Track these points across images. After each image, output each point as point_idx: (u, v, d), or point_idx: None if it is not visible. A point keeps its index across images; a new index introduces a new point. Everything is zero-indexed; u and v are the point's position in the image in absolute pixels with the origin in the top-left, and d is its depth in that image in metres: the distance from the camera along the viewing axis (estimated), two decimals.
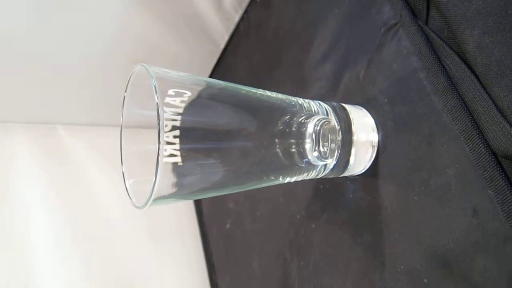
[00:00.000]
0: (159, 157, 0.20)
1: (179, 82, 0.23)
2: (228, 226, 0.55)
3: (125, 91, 0.24)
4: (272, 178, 0.27)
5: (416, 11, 0.30)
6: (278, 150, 0.25)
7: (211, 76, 0.67)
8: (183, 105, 0.22)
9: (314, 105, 0.29)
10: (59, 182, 0.54)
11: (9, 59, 0.48)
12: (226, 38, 0.61)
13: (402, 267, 0.28)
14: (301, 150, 0.26)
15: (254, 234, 0.49)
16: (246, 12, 0.57)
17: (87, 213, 0.55)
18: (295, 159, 0.26)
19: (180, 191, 0.22)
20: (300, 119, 0.27)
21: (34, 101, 0.54)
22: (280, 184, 0.28)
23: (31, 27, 0.47)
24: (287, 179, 0.28)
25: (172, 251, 0.61)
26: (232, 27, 0.60)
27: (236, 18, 0.59)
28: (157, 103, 0.20)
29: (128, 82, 0.24)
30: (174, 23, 0.56)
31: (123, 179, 0.24)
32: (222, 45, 0.62)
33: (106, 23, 0.51)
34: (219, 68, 0.65)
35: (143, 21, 0.53)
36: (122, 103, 0.25)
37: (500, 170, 0.23)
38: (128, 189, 0.23)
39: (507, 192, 0.22)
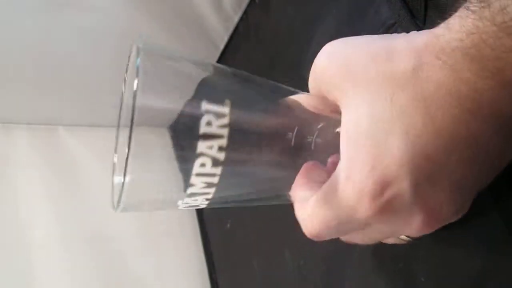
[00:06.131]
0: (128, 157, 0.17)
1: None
2: (228, 225, 0.55)
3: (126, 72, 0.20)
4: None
5: (414, 11, 0.31)
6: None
7: None
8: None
9: None
10: (60, 183, 0.54)
11: (10, 60, 0.48)
12: (225, 39, 0.62)
13: (400, 265, 0.28)
14: None
15: (254, 233, 0.50)
16: (245, 12, 0.58)
17: (88, 214, 0.55)
18: None
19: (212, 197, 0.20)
20: None
21: (35, 102, 0.54)
22: None
23: (32, 28, 0.48)
24: None
25: (172, 250, 0.61)
26: (231, 28, 0.60)
27: (235, 19, 0.59)
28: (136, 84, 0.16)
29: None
30: (173, 24, 0.56)
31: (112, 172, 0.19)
32: (221, 46, 0.63)
33: (106, 25, 0.52)
34: None
35: (143, 23, 0.54)
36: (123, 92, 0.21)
37: None
38: (115, 184, 0.19)
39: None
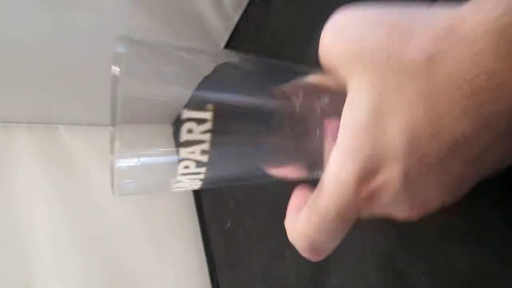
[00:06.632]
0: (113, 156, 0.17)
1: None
2: (228, 225, 0.56)
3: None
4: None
5: None
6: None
7: None
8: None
9: None
10: (60, 182, 0.54)
11: (10, 60, 0.48)
12: (226, 37, 0.62)
13: (400, 265, 0.28)
14: None
15: (254, 232, 0.50)
16: (245, 11, 0.57)
17: (88, 212, 0.55)
18: None
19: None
20: None
21: (35, 101, 0.54)
22: (280, 184, 0.28)
23: (33, 27, 0.48)
24: None
25: (173, 249, 0.61)
26: (231, 26, 0.60)
27: (236, 18, 0.59)
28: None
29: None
30: (174, 23, 0.56)
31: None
32: (222, 45, 0.63)
33: (106, 24, 0.52)
34: None
35: (143, 22, 0.54)
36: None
37: None
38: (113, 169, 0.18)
39: None
